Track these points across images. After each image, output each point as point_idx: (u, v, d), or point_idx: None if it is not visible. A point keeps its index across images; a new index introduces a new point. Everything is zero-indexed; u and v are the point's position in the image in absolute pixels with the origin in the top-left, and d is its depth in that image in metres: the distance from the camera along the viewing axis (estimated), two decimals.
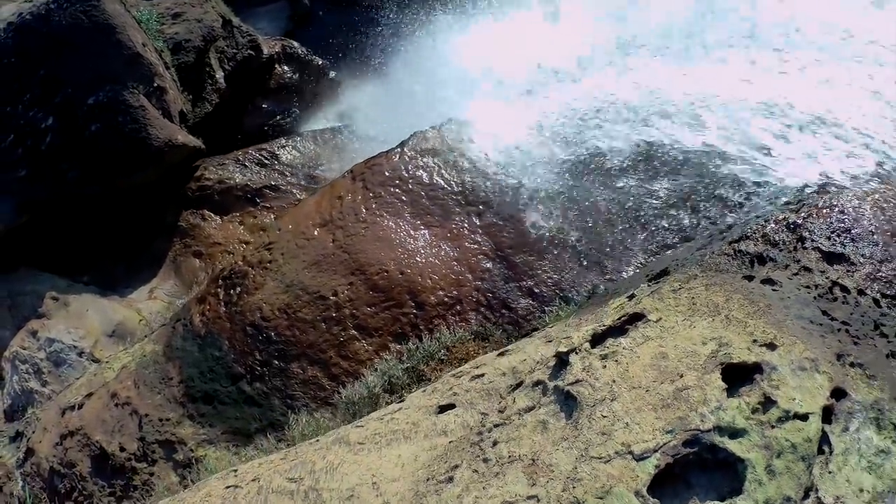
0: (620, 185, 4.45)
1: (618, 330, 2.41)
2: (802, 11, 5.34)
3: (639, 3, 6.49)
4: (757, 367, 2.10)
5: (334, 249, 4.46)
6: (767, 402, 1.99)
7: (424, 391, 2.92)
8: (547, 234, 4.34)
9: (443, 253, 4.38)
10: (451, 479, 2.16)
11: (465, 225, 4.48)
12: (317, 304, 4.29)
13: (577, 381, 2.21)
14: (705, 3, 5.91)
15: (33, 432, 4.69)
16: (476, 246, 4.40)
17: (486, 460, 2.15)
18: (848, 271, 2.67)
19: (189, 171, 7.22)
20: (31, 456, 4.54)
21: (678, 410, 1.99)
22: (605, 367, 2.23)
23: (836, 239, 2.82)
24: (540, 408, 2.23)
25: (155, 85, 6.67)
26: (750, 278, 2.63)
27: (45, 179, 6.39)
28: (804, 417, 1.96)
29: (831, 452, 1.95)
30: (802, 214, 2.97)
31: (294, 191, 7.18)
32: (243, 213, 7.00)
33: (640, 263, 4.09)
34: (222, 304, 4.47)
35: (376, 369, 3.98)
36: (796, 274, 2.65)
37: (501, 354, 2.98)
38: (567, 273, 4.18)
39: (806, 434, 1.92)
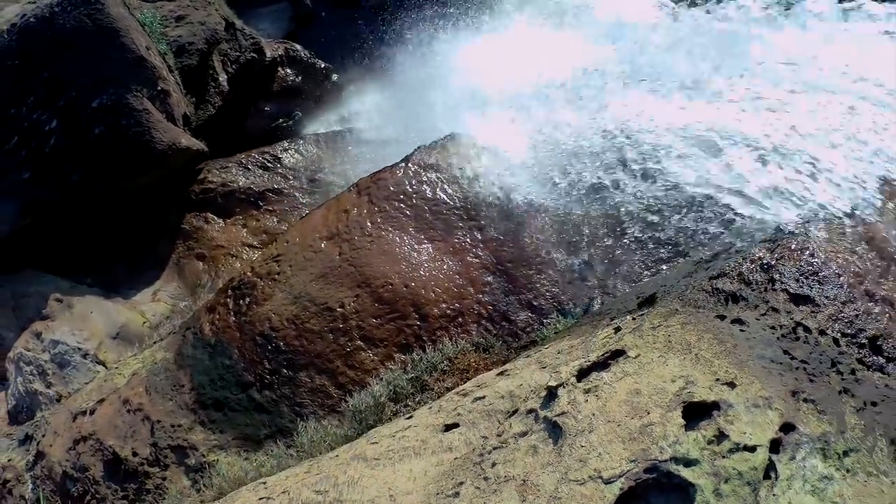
0: (616, 201, 4.63)
1: (601, 365, 2.75)
2: None
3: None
4: (715, 405, 2.42)
5: (341, 262, 4.59)
6: (721, 436, 2.31)
7: (431, 409, 3.18)
8: (546, 248, 4.51)
9: (445, 266, 4.53)
10: (457, 495, 2.48)
11: (468, 239, 4.63)
12: (324, 315, 4.42)
13: (562, 413, 2.56)
14: None
15: (43, 436, 4.79)
16: (477, 260, 4.55)
17: (486, 479, 2.47)
18: (812, 312, 2.98)
19: (192, 174, 7.28)
20: (41, 459, 4.65)
21: (642, 443, 2.34)
22: (587, 401, 2.59)
23: (804, 281, 3.11)
24: (532, 434, 2.57)
25: (158, 88, 6.71)
26: (722, 317, 2.93)
27: (49, 181, 6.41)
28: (752, 449, 2.27)
29: (776, 478, 2.24)
30: (776, 255, 3.21)
31: (296, 194, 7.27)
32: (246, 215, 7.08)
33: (634, 281, 4.27)
34: (232, 314, 4.59)
35: (382, 379, 4.14)
36: (764, 314, 2.96)
37: (501, 374, 3.25)
38: (564, 287, 4.35)
39: (752, 463, 2.23)
